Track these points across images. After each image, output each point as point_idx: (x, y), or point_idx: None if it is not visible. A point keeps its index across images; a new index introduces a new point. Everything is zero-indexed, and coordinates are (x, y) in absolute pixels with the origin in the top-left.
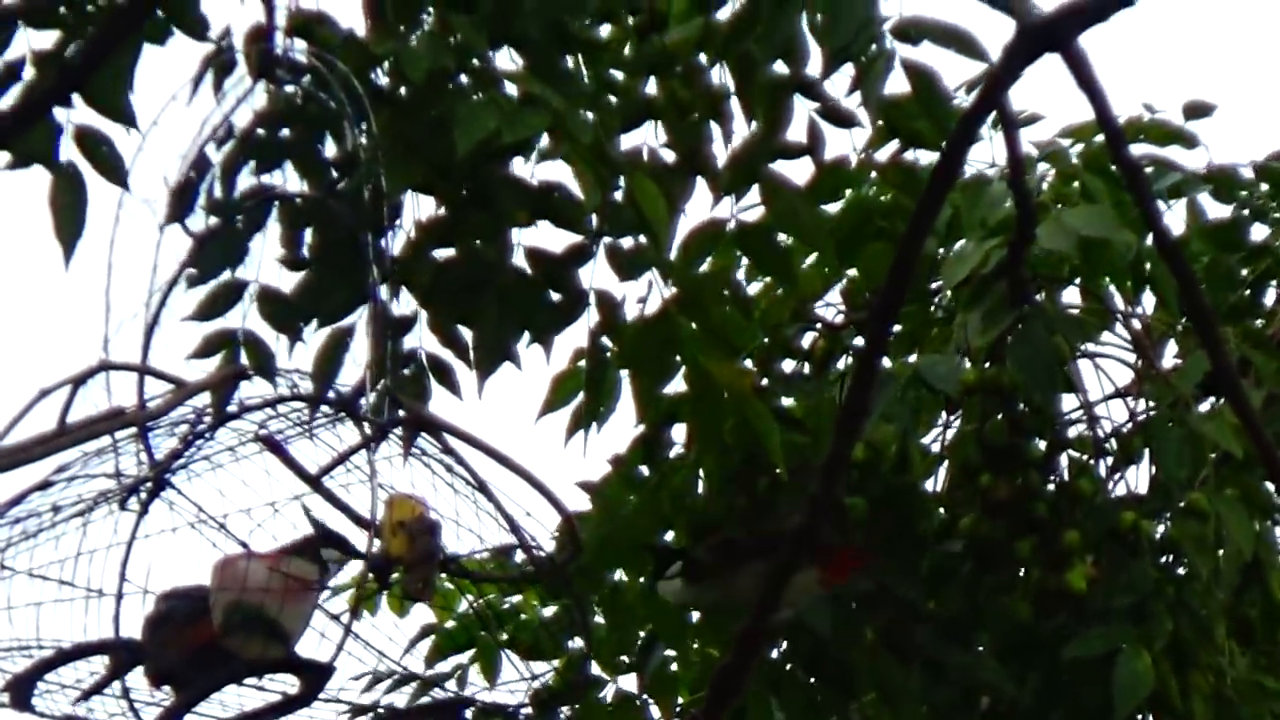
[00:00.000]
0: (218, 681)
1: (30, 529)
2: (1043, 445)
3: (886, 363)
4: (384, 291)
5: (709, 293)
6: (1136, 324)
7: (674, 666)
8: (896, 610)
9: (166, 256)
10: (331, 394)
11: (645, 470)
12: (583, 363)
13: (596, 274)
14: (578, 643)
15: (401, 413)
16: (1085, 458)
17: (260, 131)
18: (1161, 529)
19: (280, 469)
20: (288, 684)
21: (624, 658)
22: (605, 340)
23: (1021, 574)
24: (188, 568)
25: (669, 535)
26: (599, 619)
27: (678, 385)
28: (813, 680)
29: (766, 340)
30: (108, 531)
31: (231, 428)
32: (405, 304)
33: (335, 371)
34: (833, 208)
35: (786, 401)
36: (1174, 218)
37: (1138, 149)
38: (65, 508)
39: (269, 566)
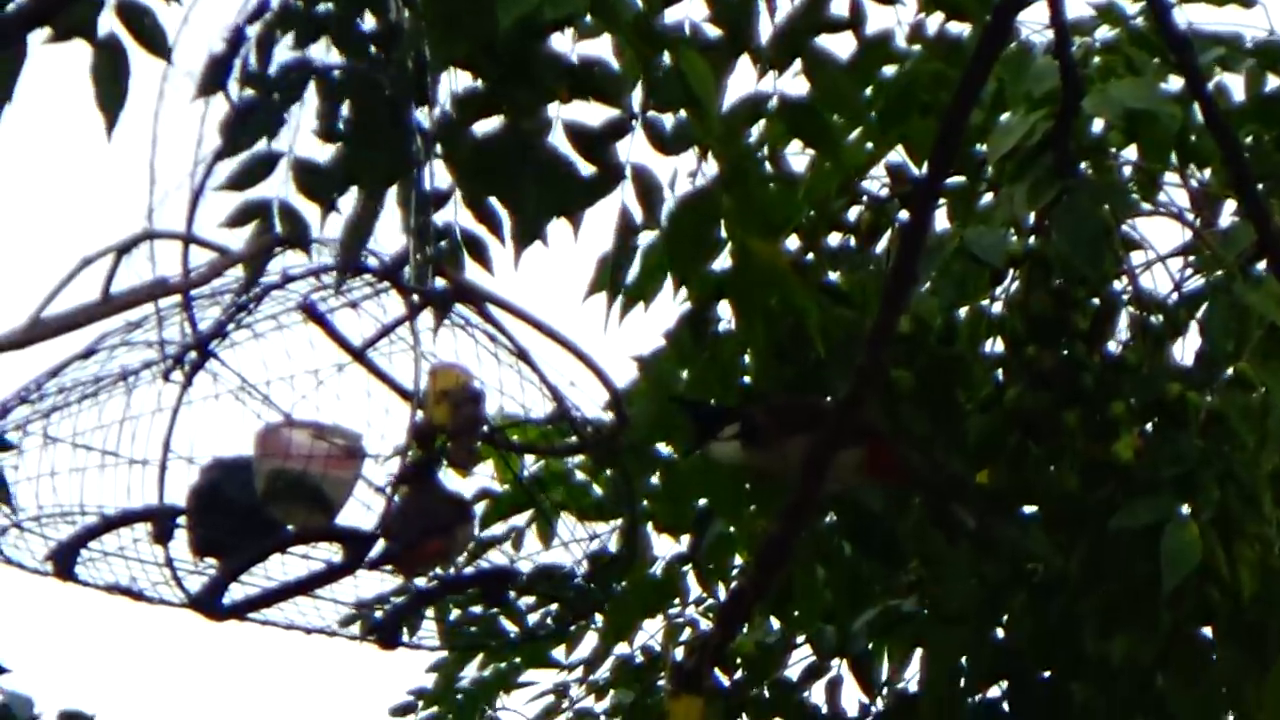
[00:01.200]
0: (263, 551)
1: (73, 398)
2: (1092, 315)
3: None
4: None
5: (750, 169)
6: (1194, 184)
7: (732, 529)
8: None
9: (211, 127)
10: (375, 263)
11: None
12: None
13: (634, 150)
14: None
15: (444, 283)
16: (1139, 312)
17: (299, 3)
18: (1208, 400)
19: (324, 339)
20: (332, 553)
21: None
22: (641, 218)
23: (1068, 446)
24: (231, 437)
25: None
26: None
27: (724, 261)
28: (860, 553)
29: (812, 214)
30: (151, 401)
31: (275, 297)
32: (440, 179)
33: (364, 241)
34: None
35: (832, 276)
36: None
37: (1185, 13)
38: (108, 378)
39: (312, 434)
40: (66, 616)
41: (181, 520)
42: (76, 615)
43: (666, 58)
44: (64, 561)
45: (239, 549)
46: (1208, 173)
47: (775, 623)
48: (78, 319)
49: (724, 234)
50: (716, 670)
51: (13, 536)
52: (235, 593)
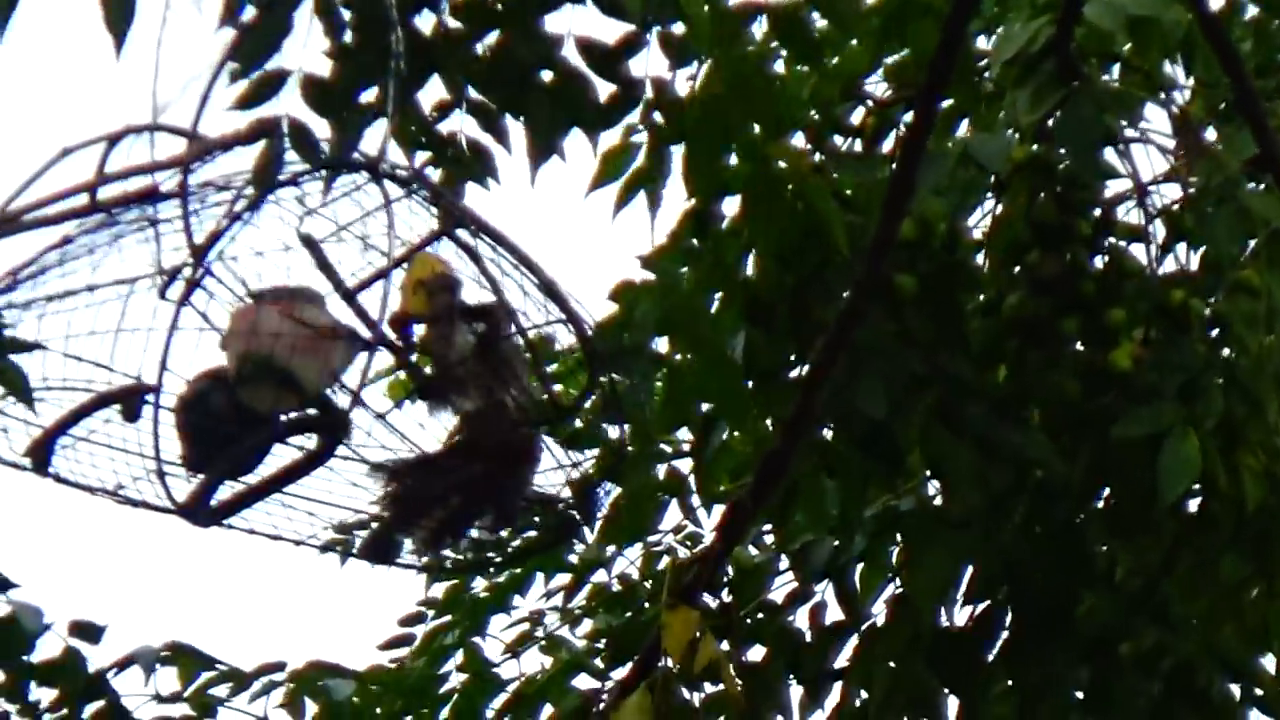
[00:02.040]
0: (248, 457)
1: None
2: (1092, 221)
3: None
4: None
5: (750, 72)
6: (1179, 102)
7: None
8: (948, 388)
9: (211, 41)
10: (357, 156)
11: (696, 243)
12: (634, 138)
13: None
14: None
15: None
16: (1139, 224)
17: None
18: (1211, 305)
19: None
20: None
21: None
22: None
23: (1069, 352)
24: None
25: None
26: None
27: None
28: (862, 454)
29: (816, 117)
30: (147, 311)
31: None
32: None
33: (355, 142)
34: None
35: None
36: None
37: None
38: (102, 285)
39: (280, 314)
40: (67, 526)
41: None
42: (78, 525)
43: None
44: (41, 456)
45: (225, 454)
46: (1189, 93)
47: (754, 550)
48: (66, 213)
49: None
50: (707, 591)
51: None
52: (222, 496)
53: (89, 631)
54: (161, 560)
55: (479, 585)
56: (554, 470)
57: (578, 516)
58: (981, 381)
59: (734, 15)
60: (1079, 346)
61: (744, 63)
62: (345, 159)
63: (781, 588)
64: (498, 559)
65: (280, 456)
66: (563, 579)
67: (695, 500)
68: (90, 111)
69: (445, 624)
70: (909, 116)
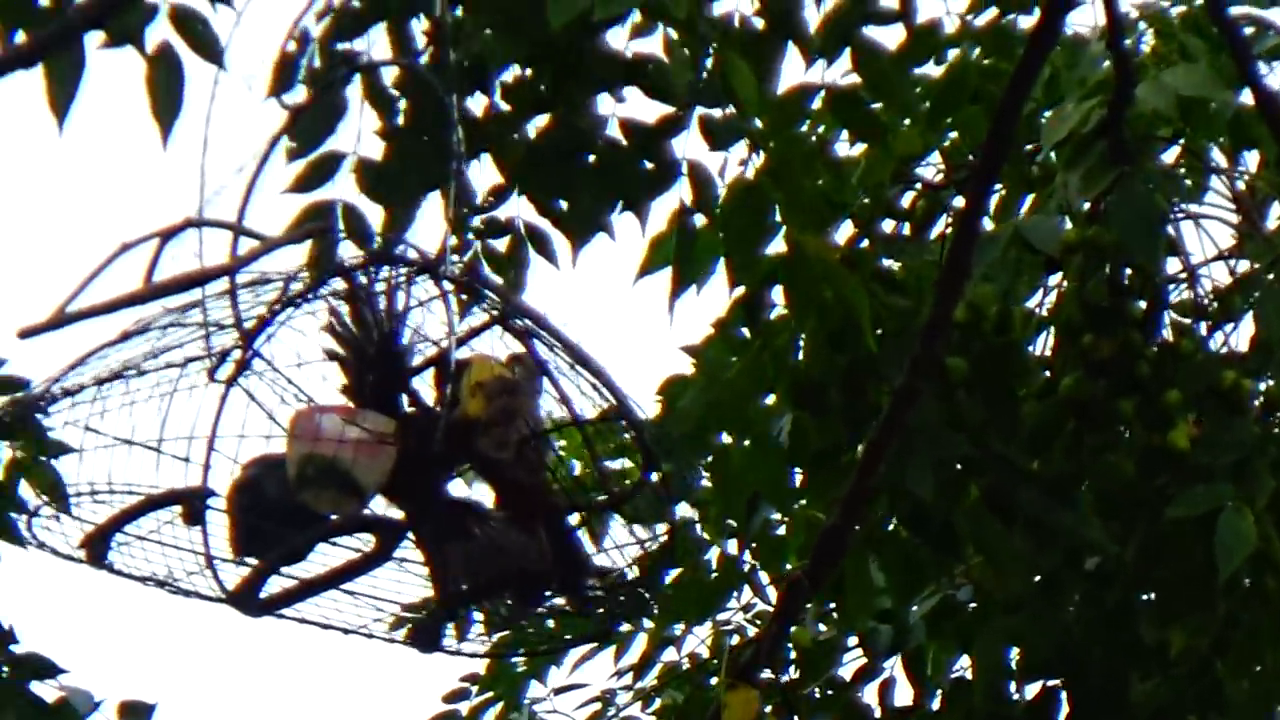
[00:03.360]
0: (299, 547)
1: (116, 387)
2: (1144, 305)
3: (987, 224)
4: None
5: (798, 163)
6: (1240, 184)
7: (781, 531)
8: (999, 471)
9: (264, 128)
10: (415, 255)
11: (746, 332)
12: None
13: (689, 144)
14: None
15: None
16: (1187, 319)
17: (355, 3)
18: (1263, 386)
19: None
20: (364, 542)
21: (730, 522)
22: (696, 210)
23: (1124, 434)
24: (270, 431)
25: (770, 398)
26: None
27: (777, 245)
28: (915, 541)
29: (867, 201)
30: (195, 395)
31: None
32: (492, 174)
33: (404, 232)
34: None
35: (886, 262)
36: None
37: (1237, 10)
38: (152, 369)
39: (343, 419)
40: (111, 610)
41: (213, 503)
42: (118, 608)
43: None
44: (97, 550)
45: (278, 543)
46: (1255, 164)
47: (823, 626)
48: (118, 304)
49: (777, 219)
50: (769, 669)
51: (45, 519)
52: (272, 586)
53: (139, 711)
54: (196, 645)
55: (519, 658)
56: (614, 549)
57: (641, 594)
58: (1034, 464)
59: (790, 101)
60: (1134, 428)
61: (797, 143)
62: (403, 256)
63: (850, 664)
64: (543, 645)
65: (327, 554)
66: (633, 657)
67: (764, 577)
68: (150, 203)
69: (488, 699)
70: (959, 200)
